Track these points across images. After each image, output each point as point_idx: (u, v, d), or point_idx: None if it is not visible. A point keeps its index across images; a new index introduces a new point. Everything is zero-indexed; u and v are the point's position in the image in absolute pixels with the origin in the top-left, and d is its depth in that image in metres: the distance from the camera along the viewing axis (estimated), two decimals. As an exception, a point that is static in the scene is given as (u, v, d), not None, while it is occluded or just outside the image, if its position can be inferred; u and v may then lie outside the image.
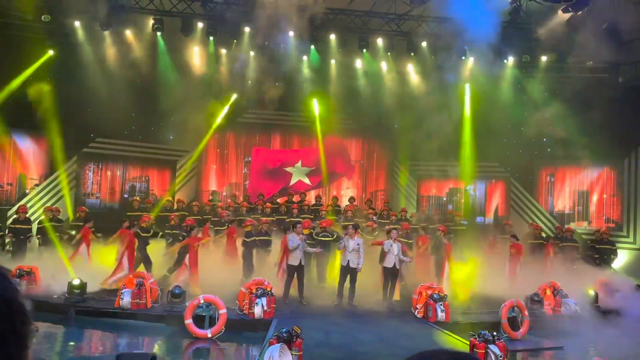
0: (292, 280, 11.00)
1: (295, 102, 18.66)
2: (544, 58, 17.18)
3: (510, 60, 17.13)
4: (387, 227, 12.51)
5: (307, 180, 17.65)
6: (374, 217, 15.51)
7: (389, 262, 10.94)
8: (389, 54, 17.22)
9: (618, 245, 15.66)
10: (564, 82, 17.89)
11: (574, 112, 16.48)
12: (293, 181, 17.55)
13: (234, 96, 18.12)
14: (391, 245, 10.94)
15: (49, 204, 15.46)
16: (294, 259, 10.91)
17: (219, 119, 18.06)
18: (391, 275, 11.01)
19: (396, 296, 11.30)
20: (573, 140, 16.89)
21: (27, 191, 16.11)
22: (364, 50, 16.78)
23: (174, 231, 13.14)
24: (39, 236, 13.43)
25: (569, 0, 14.36)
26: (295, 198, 16.50)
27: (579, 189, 18.29)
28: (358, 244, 10.91)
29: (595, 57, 16.96)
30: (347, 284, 10.98)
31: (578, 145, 16.91)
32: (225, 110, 18.09)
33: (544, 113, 17.85)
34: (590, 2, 15.25)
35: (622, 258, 15.96)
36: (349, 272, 10.89)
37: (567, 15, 15.60)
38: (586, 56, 17.11)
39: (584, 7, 14.90)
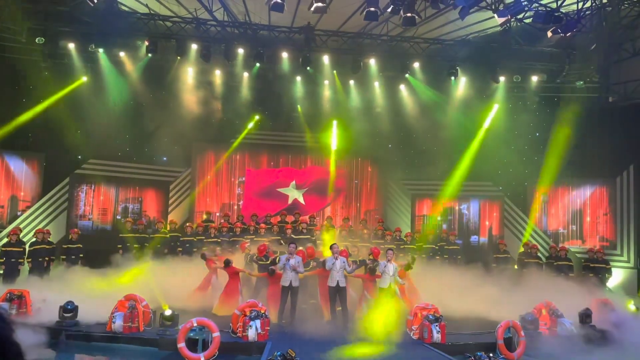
0: (286, 302, 10.92)
1: (290, 123, 18.78)
2: (534, 78, 17.39)
3: (502, 81, 17.32)
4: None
5: (302, 200, 17.67)
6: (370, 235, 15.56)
7: (384, 283, 10.89)
8: (381, 74, 17.39)
9: (612, 264, 15.66)
10: (555, 102, 18.11)
11: (566, 131, 16.62)
12: (290, 200, 17.57)
13: (229, 117, 18.23)
14: (385, 266, 10.90)
15: (40, 226, 15.34)
16: (284, 280, 10.87)
17: (214, 140, 18.16)
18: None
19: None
20: (565, 159, 17.02)
21: (18, 213, 15.98)
22: (358, 71, 16.94)
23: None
24: (30, 259, 13.26)
25: (559, 22, 14.56)
26: (289, 218, 16.46)
27: (572, 207, 18.36)
28: (344, 262, 10.92)
29: (585, 77, 17.24)
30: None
31: (570, 164, 17.06)
32: (219, 131, 18.20)
33: (536, 132, 18.03)
34: (579, 24, 15.48)
35: (616, 277, 15.96)
36: (337, 291, 10.84)
37: (558, 36, 15.82)
38: (576, 76, 17.38)
39: (573, 29, 15.11)
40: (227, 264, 11.76)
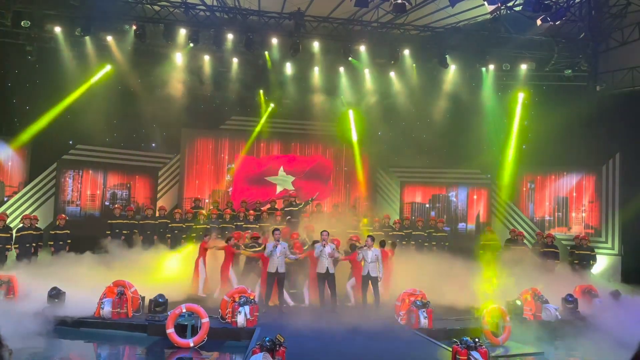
0: (272, 288, 10.98)
1: (279, 110, 18.70)
2: (523, 66, 17.43)
3: (491, 69, 17.35)
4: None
5: (291, 188, 17.71)
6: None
7: (365, 270, 10.98)
8: (372, 61, 17.31)
9: (597, 250, 15.88)
10: (543, 90, 18.20)
11: (553, 119, 16.74)
12: (278, 190, 17.59)
13: (217, 103, 18.12)
14: (365, 254, 10.94)
15: (27, 212, 15.23)
16: (270, 266, 10.92)
17: (203, 126, 18.09)
18: (369, 282, 11.05)
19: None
20: (552, 147, 17.17)
21: (5, 199, 15.84)
22: (349, 58, 16.86)
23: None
24: (17, 245, 13.17)
25: (548, 10, 14.60)
26: (278, 205, 16.47)
27: (558, 195, 18.55)
28: (333, 249, 10.99)
29: (573, 65, 17.33)
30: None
31: (557, 152, 17.21)
32: (208, 117, 18.11)
33: (524, 120, 18.13)
34: (568, 12, 15.55)
35: (601, 264, 16.19)
36: (326, 278, 10.91)
37: (547, 25, 15.87)
38: (565, 65, 17.46)
39: (562, 17, 15.19)
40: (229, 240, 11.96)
